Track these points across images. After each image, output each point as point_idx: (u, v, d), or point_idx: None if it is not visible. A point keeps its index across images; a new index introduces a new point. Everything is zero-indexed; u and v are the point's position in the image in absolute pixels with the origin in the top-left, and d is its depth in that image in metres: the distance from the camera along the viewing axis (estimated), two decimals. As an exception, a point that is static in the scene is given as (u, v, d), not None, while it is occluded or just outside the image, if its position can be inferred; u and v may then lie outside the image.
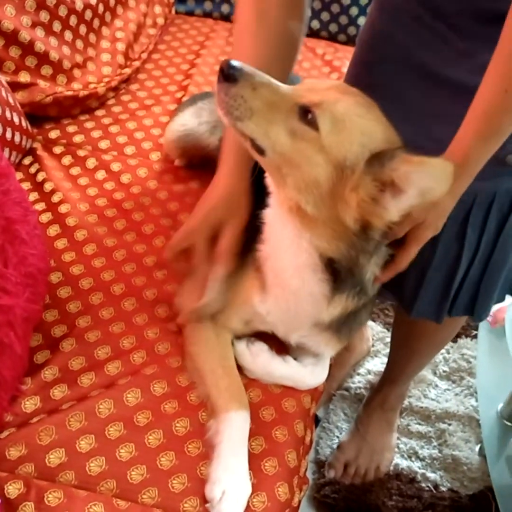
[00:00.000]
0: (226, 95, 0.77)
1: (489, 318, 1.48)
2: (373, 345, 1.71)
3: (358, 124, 0.75)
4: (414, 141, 0.78)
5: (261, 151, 0.80)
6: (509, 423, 1.36)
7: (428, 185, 0.72)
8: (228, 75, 0.77)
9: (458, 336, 1.72)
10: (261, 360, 0.97)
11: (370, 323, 1.76)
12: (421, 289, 1.10)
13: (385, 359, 1.65)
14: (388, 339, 1.69)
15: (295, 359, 1.01)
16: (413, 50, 0.97)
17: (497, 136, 0.80)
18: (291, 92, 0.79)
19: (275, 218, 0.88)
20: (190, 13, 1.99)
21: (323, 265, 0.84)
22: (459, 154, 0.81)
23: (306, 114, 0.76)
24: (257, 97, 0.77)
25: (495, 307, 1.44)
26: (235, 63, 0.77)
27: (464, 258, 1.05)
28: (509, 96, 0.75)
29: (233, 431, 0.87)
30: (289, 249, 0.86)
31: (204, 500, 0.82)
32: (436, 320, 1.13)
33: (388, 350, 1.67)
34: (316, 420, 1.40)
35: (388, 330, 1.74)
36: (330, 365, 1.07)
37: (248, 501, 0.83)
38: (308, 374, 1.00)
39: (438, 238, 0.91)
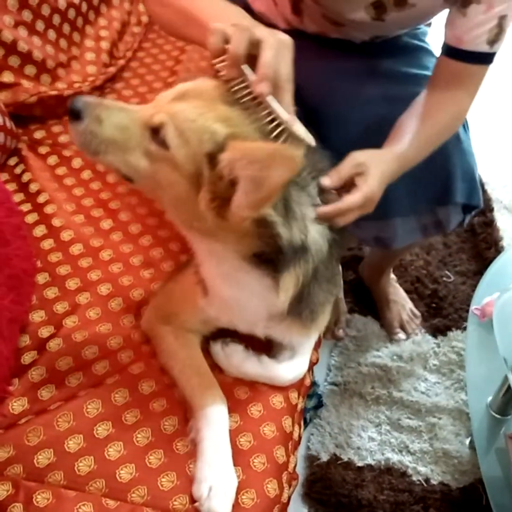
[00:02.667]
0: (77, 133, 0.78)
1: (478, 312, 1.48)
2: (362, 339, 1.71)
3: (194, 129, 0.74)
4: None
5: (129, 179, 0.81)
6: (498, 416, 1.36)
7: (258, 173, 0.67)
8: (72, 113, 0.77)
9: (449, 329, 1.72)
10: (235, 361, 0.97)
11: (359, 316, 1.76)
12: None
13: (375, 353, 1.66)
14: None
15: (277, 355, 1.01)
16: None
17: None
18: (140, 113, 0.78)
19: (187, 237, 0.89)
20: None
21: (252, 263, 0.82)
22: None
23: (157, 133, 0.76)
24: (107, 129, 0.77)
25: (484, 301, 1.45)
26: (77, 100, 0.78)
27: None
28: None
29: (212, 427, 0.87)
30: (212, 261, 0.87)
31: (194, 498, 0.82)
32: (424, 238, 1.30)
33: (379, 343, 1.69)
34: (306, 421, 1.42)
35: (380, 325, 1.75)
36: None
37: (237, 498, 0.83)
38: (284, 370, 1.00)
39: None
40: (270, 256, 0.80)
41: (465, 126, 1.26)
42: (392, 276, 1.78)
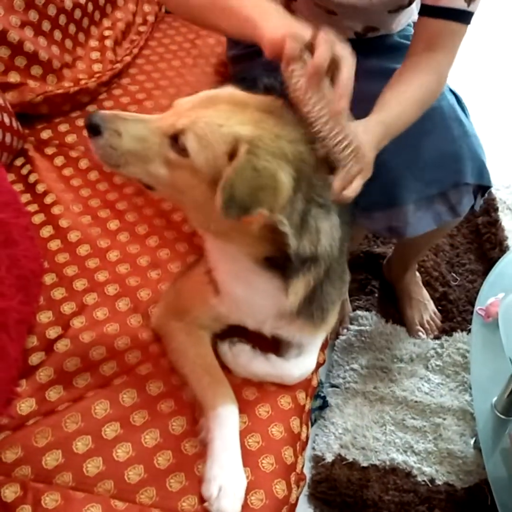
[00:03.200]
0: (97, 148, 0.79)
1: (482, 312, 1.48)
2: (365, 338, 1.71)
3: (219, 134, 0.75)
4: None
5: (150, 187, 0.83)
6: (503, 416, 1.36)
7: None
8: (91, 129, 0.78)
9: (454, 329, 1.73)
10: (242, 360, 0.97)
11: (362, 313, 1.76)
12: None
13: (378, 354, 1.66)
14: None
15: (285, 353, 1.01)
16: None
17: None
18: (159, 123, 0.79)
19: (203, 237, 0.91)
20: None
21: (263, 266, 0.83)
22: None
23: (177, 141, 0.76)
24: (126, 141, 0.78)
25: (488, 301, 1.45)
26: (94, 115, 0.79)
27: None
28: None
29: (222, 427, 0.88)
30: (225, 261, 0.88)
31: (202, 499, 0.83)
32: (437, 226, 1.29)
33: (382, 342, 1.69)
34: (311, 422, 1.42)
35: (386, 321, 1.75)
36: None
37: (246, 499, 0.84)
38: (292, 367, 1.00)
39: None
40: (280, 261, 0.81)
41: (465, 112, 1.29)
42: (417, 274, 1.79)
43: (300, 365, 1.01)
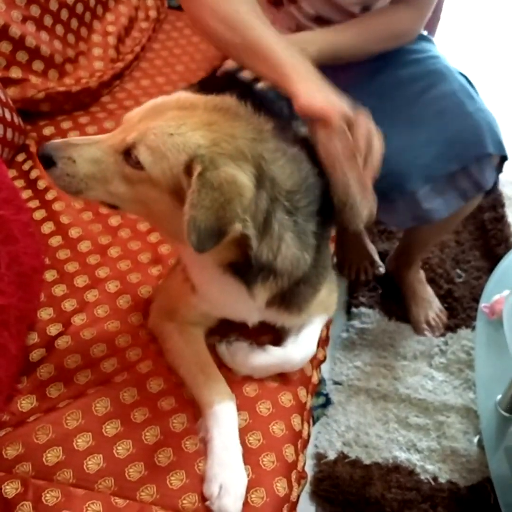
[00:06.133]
0: (55, 178, 0.79)
1: (486, 310, 1.47)
2: (368, 335, 1.71)
3: (169, 143, 0.74)
4: None
5: (114, 207, 0.83)
6: (507, 414, 1.35)
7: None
8: (43, 161, 0.79)
9: (458, 326, 1.72)
10: (240, 357, 0.97)
11: (365, 310, 1.76)
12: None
13: (381, 352, 1.65)
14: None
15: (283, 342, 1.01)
16: None
17: None
18: (110, 141, 0.78)
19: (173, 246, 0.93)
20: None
21: (227, 271, 0.84)
22: None
23: (130, 156, 0.76)
24: (81, 166, 0.77)
25: (493, 299, 1.44)
26: (44, 147, 0.79)
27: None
28: None
29: (220, 425, 0.87)
30: (196, 267, 0.91)
31: (203, 497, 0.82)
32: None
33: (385, 339, 1.68)
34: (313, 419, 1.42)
35: (389, 318, 1.74)
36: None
37: (247, 497, 0.83)
38: (291, 352, 0.99)
39: None
40: (241, 267, 0.82)
41: (475, 90, 1.31)
42: (421, 271, 1.78)
43: (299, 348, 1.00)
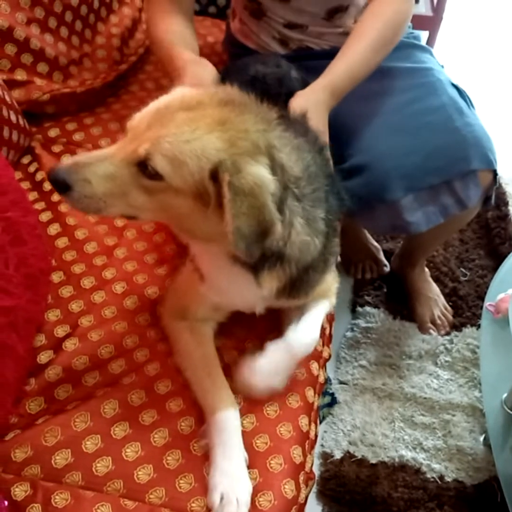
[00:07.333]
0: (73, 202, 0.78)
1: (491, 308, 1.47)
2: (373, 334, 1.71)
3: (187, 151, 0.73)
4: None
5: (133, 218, 0.82)
6: (513, 413, 1.36)
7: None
8: (58, 186, 0.76)
9: (463, 325, 1.72)
10: (255, 378, 0.93)
11: (370, 309, 1.76)
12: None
13: (386, 351, 1.65)
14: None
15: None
16: None
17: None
18: (121, 154, 0.76)
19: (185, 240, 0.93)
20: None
21: (236, 261, 0.84)
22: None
23: (146, 167, 0.74)
24: (98, 185, 0.76)
25: (498, 297, 1.44)
26: (56, 172, 0.76)
27: None
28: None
29: (222, 433, 0.87)
30: (207, 258, 0.91)
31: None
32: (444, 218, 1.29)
33: (391, 338, 1.68)
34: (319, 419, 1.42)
35: (394, 317, 1.74)
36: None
37: (255, 500, 0.83)
38: (297, 336, 0.96)
39: None
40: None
41: (468, 104, 1.30)
42: (426, 270, 1.78)
43: (304, 331, 0.97)
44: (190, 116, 0.75)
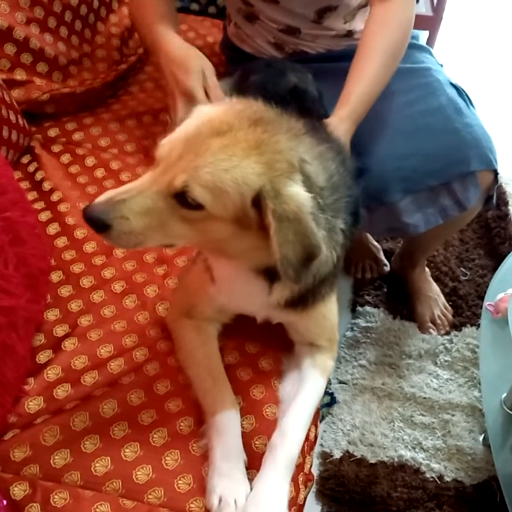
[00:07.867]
0: (114, 241, 0.77)
1: (491, 308, 1.47)
2: (373, 334, 1.71)
3: (227, 180, 0.72)
4: None
5: (170, 246, 0.84)
6: (513, 413, 1.36)
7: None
8: (96, 226, 0.75)
9: (463, 324, 1.72)
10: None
11: (370, 309, 1.76)
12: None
13: (386, 350, 1.65)
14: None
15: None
16: None
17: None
18: (155, 186, 0.74)
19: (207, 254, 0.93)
20: (186, 9, 1.96)
21: (257, 273, 0.85)
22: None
23: (184, 198, 0.73)
24: (136, 221, 0.74)
25: (497, 297, 1.43)
26: (91, 211, 0.74)
27: None
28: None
29: (221, 435, 0.86)
30: (226, 269, 0.90)
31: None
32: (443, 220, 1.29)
33: (390, 338, 1.68)
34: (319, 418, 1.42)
35: (394, 317, 1.74)
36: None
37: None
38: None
39: None
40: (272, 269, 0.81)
41: (468, 104, 1.29)
42: (426, 269, 1.78)
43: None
44: (224, 143, 0.73)
